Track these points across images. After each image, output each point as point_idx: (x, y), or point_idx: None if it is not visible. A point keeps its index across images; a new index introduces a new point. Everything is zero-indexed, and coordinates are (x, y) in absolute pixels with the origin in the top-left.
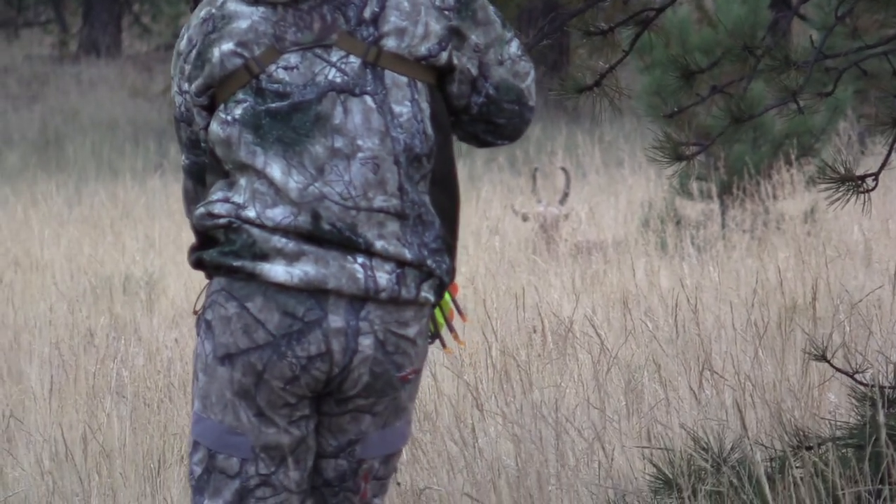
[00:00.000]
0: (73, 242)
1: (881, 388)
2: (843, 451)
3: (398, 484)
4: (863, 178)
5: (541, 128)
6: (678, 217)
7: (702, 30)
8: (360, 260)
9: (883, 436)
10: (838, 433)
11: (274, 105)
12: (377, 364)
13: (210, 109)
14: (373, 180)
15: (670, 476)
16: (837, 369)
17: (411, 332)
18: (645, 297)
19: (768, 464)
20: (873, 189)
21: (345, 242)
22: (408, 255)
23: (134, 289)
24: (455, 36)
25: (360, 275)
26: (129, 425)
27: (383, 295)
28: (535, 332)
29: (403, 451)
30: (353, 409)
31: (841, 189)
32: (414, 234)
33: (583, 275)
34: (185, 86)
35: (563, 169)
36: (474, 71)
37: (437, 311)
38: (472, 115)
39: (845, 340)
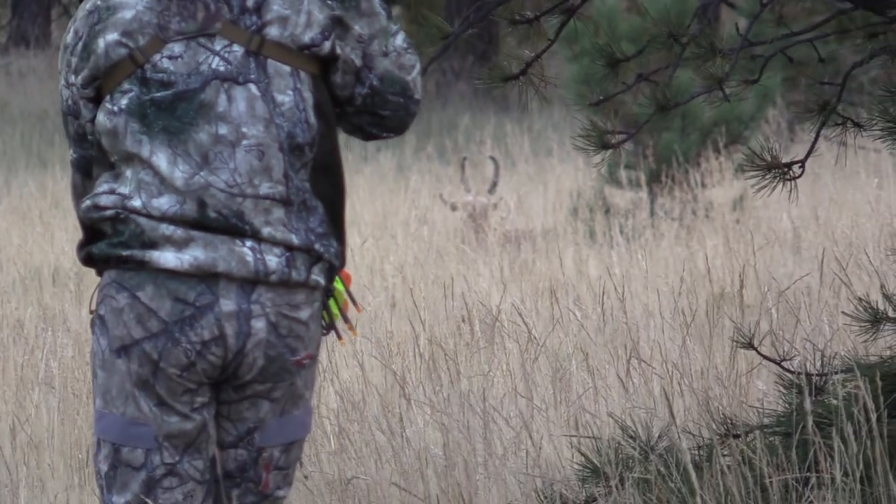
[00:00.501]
0: (1, 233)
1: (808, 375)
2: (771, 438)
3: (305, 477)
4: (789, 165)
5: (469, 117)
6: (607, 206)
7: (630, 18)
8: (248, 244)
9: (810, 423)
10: (766, 421)
11: (159, 94)
12: (271, 347)
13: (96, 101)
14: (258, 167)
15: (598, 464)
16: (765, 357)
17: (303, 315)
18: (573, 286)
19: (696, 452)
20: (800, 176)
21: (231, 229)
22: (295, 240)
23: (63, 280)
24: (338, 26)
25: (250, 258)
26: (57, 416)
27: (273, 277)
28: (463, 321)
29: (307, 443)
30: (252, 395)
31: (767, 177)
32: (299, 220)
33: (511, 264)
34: (72, 78)
35: (492, 158)
36: (358, 62)
37: (332, 303)
38: (357, 107)
39: (773, 328)
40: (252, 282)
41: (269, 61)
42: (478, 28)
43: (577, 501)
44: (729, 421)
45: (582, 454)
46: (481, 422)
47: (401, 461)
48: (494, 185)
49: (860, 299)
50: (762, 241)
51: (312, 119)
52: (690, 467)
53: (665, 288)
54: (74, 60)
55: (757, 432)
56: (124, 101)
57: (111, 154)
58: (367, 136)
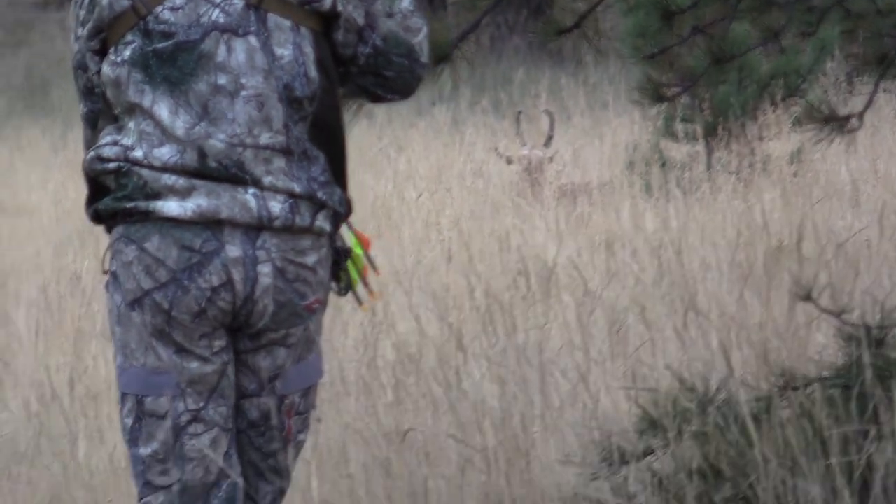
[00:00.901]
0: (59, 187)
1: (867, 327)
2: (830, 391)
3: (318, 420)
4: (847, 118)
5: (524, 71)
6: (663, 159)
7: None
8: (250, 191)
9: (869, 376)
10: (825, 373)
11: (160, 45)
12: (279, 293)
13: (102, 53)
14: (257, 117)
15: (655, 417)
16: (823, 309)
17: (310, 260)
18: (630, 239)
19: (754, 404)
20: (858, 129)
21: (232, 178)
22: (297, 188)
23: None
24: None
25: (253, 204)
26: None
27: (277, 223)
28: (519, 274)
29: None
30: (267, 344)
31: (825, 130)
32: (300, 169)
33: (567, 217)
34: (80, 31)
35: (548, 112)
36: (360, 20)
37: (351, 266)
38: (360, 67)
39: (832, 281)
40: (256, 228)
41: (270, 15)
42: None
43: (635, 454)
44: (788, 373)
45: (639, 406)
46: (538, 374)
47: (457, 413)
48: (550, 138)
49: None
50: (820, 193)
51: (313, 73)
52: (749, 420)
53: (722, 241)
54: (82, 13)
55: (816, 385)
56: (127, 53)
57: (115, 106)
58: (373, 98)
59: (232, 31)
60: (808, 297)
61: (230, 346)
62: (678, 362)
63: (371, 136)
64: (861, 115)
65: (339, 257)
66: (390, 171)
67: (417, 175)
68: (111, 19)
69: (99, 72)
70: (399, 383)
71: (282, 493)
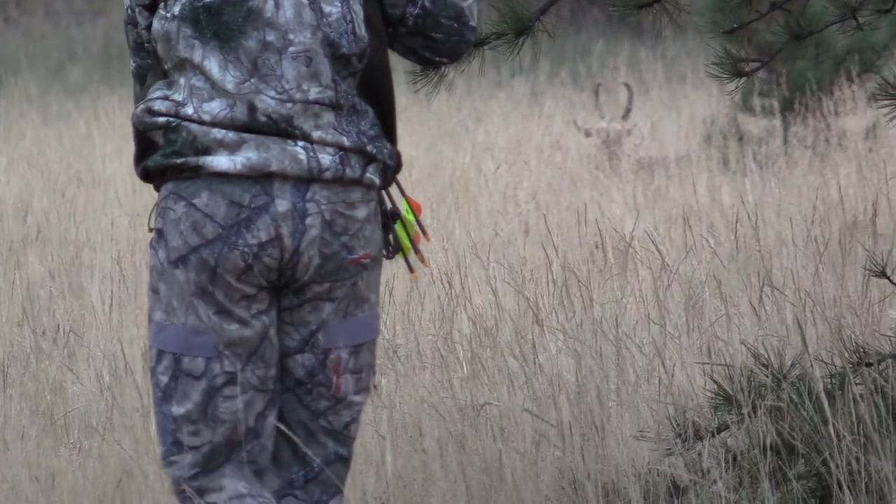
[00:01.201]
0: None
1: None
2: None
3: (375, 387)
4: None
5: (603, 43)
6: (740, 133)
7: None
8: (300, 144)
9: None
10: None
11: (209, 0)
12: (325, 245)
13: (151, 9)
14: (306, 73)
15: (730, 392)
16: None
17: (359, 213)
18: (706, 213)
19: (828, 380)
20: None
21: (282, 133)
22: (346, 141)
23: None
24: None
25: (303, 156)
26: None
27: (327, 174)
28: (596, 248)
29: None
30: (312, 298)
31: None
32: (350, 123)
33: (644, 191)
34: None
35: (626, 84)
36: None
37: (401, 231)
38: (409, 28)
39: None
40: (306, 180)
41: None
42: None
43: (710, 429)
44: (861, 349)
45: (714, 382)
46: (614, 349)
47: (533, 388)
48: (628, 111)
49: None
50: (895, 170)
51: (362, 32)
52: (823, 395)
53: (798, 216)
54: None
55: (889, 361)
56: (177, 8)
57: (165, 61)
58: (421, 60)
59: None
60: (882, 273)
61: (273, 308)
62: (753, 337)
63: (450, 107)
64: None
65: (388, 219)
66: (468, 142)
67: (496, 147)
68: None
69: (149, 27)
70: (475, 357)
71: (339, 458)
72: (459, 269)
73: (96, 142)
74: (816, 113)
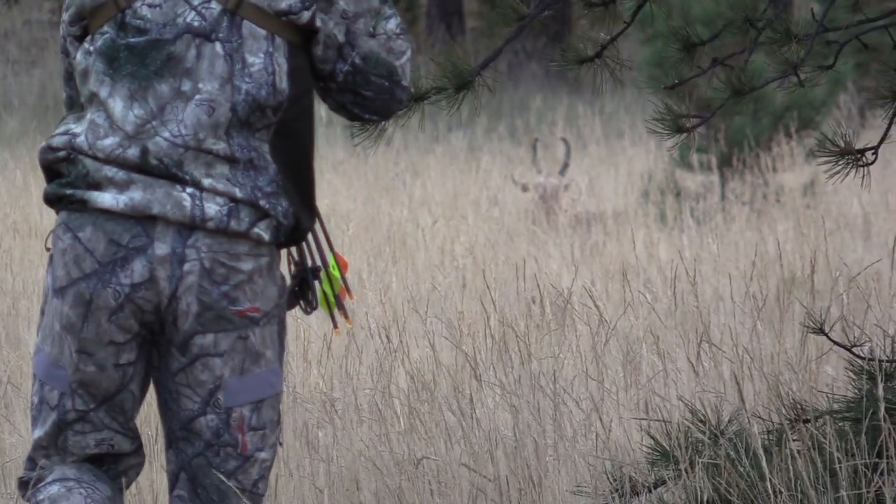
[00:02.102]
0: None
1: (879, 361)
2: (841, 424)
3: (280, 444)
4: (862, 151)
5: (542, 98)
6: (678, 189)
7: (704, 1)
8: (188, 190)
9: (881, 410)
10: (836, 406)
11: (133, 40)
12: (204, 293)
13: (82, 40)
14: (206, 122)
15: (667, 448)
16: (835, 342)
17: (244, 266)
18: (644, 268)
19: (765, 436)
20: (873, 163)
21: (172, 177)
22: (238, 193)
23: None
24: None
25: (188, 203)
26: None
27: (211, 224)
28: (534, 302)
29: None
30: (199, 354)
31: (840, 162)
32: (246, 177)
33: (582, 246)
34: (64, 16)
35: (564, 139)
36: (341, 37)
37: (328, 288)
38: (339, 84)
39: (843, 314)
40: (189, 227)
41: (245, 22)
42: (553, 10)
43: (647, 485)
44: (799, 406)
45: (652, 437)
46: (552, 403)
47: (471, 442)
48: (566, 166)
49: None
50: (833, 226)
51: (283, 85)
52: (760, 452)
53: (736, 272)
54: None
55: (827, 417)
56: (100, 42)
57: (81, 94)
58: (351, 116)
59: (204, 35)
60: (820, 330)
61: (140, 362)
62: (691, 393)
63: (387, 161)
64: (876, 149)
65: (307, 275)
66: (406, 196)
67: (433, 201)
68: (92, 8)
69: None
70: (412, 411)
71: None
72: (397, 323)
73: (33, 192)
74: (754, 169)
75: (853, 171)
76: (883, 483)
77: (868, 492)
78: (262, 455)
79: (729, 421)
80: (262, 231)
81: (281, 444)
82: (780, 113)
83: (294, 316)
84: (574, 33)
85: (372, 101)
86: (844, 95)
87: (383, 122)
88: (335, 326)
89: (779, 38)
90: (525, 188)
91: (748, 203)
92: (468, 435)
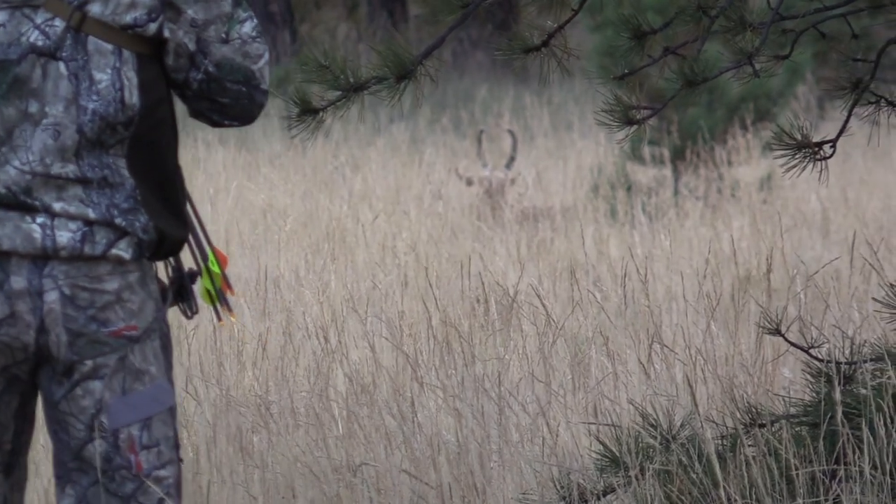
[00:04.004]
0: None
1: (837, 363)
2: (797, 429)
3: (181, 460)
4: (820, 144)
5: (487, 89)
6: (629, 183)
7: None
8: (39, 220)
9: (839, 414)
10: (792, 410)
11: None
12: (70, 321)
13: None
14: (52, 147)
15: (617, 454)
16: (792, 344)
17: (109, 286)
18: (593, 266)
19: (719, 442)
20: (831, 156)
21: (21, 206)
22: (92, 214)
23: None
24: (169, 8)
25: (38, 234)
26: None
27: (64, 253)
28: (478, 302)
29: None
30: (79, 380)
31: (797, 156)
32: (101, 196)
33: (529, 242)
34: None
35: (510, 131)
36: (192, 46)
37: (208, 283)
38: (194, 92)
39: (801, 314)
40: (43, 258)
41: (91, 38)
42: None
43: (595, 492)
44: (754, 410)
45: (600, 442)
46: (496, 407)
47: (412, 447)
48: (512, 159)
49: (892, 285)
50: (790, 222)
51: (133, 99)
52: (714, 458)
53: (689, 270)
54: None
55: (783, 422)
56: None
57: None
58: (212, 123)
59: (49, 54)
60: (776, 331)
61: (7, 396)
62: (641, 397)
63: (326, 153)
64: (835, 142)
65: (185, 281)
66: (345, 191)
67: (374, 196)
68: None
69: None
70: (351, 415)
71: None
72: (336, 323)
73: None
74: (709, 163)
75: (811, 164)
76: (841, 490)
77: (826, 500)
78: (162, 473)
79: (681, 425)
80: (122, 251)
81: (181, 460)
82: (736, 104)
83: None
84: (521, 21)
85: (230, 108)
86: (802, 86)
87: (321, 113)
88: (219, 320)
89: (733, 27)
90: (470, 182)
91: (702, 198)
92: (409, 440)
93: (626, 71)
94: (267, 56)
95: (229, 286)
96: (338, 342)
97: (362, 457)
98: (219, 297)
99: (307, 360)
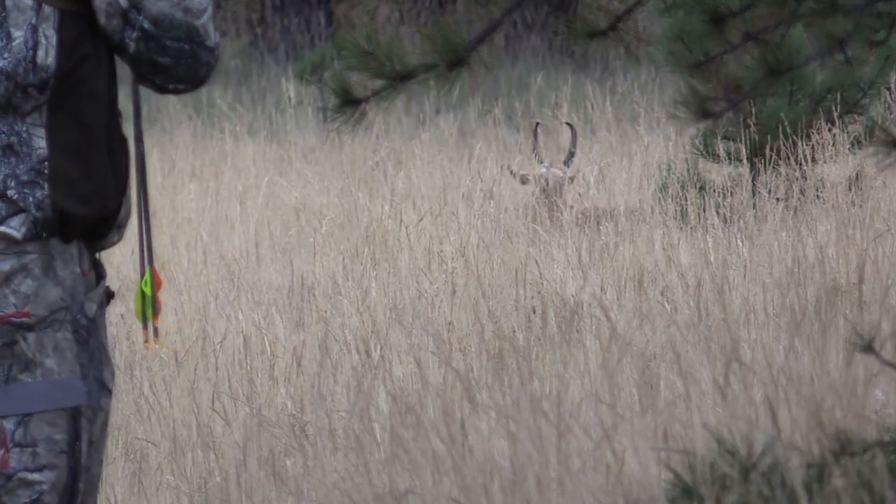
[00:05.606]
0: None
1: None
2: (893, 457)
3: (71, 467)
4: None
5: (543, 76)
6: (701, 182)
7: None
8: None
9: None
10: (886, 437)
11: None
12: None
13: None
14: None
15: (690, 483)
16: (886, 362)
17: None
18: (662, 274)
19: (805, 471)
20: None
21: None
22: None
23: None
24: None
25: None
26: None
27: None
28: (535, 312)
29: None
30: None
31: (892, 153)
32: (4, 164)
33: (590, 248)
34: None
35: (569, 124)
36: (123, 2)
37: (139, 303)
38: (132, 55)
39: None
40: None
41: None
42: None
43: None
44: (843, 436)
45: (671, 471)
46: (555, 430)
47: (462, 474)
48: (571, 155)
49: None
50: (882, 226)
51: (47, 60)
52: (799, 489)
53: (769, 279)
54: None
55: (876, 449)
56: None
57: None
58: (157, 88)
59: None
60: (868, 348)
61: None
62: (717, 420)
63: (365, 147)
64: None
65: (102, 297)
66: (387, 189)
67: (418, 195)
68: None
69: None
70: (395, 437)
71: None
72: (377, 335)
73: None
74: (790, 160)
75: None
76: None
77: None
78: (34, 476)
79: (762, 453)
80: (12, 229)
81: (73, 467)
82: (821, 95)
83: (258, 327)
84: (581, 2)
85: (173, 68)
86: None
87: (363, 103)
88: (146, 341)
89: (821, 9)
90: (524, 180)
91: (783, 199)
92: (459, 466)
93: (701, 58)
94: (211, 10)
95: (157, 313)
96: (380, 357)
97: (407, 484)
98: (144, 322)
99: (346, 376)
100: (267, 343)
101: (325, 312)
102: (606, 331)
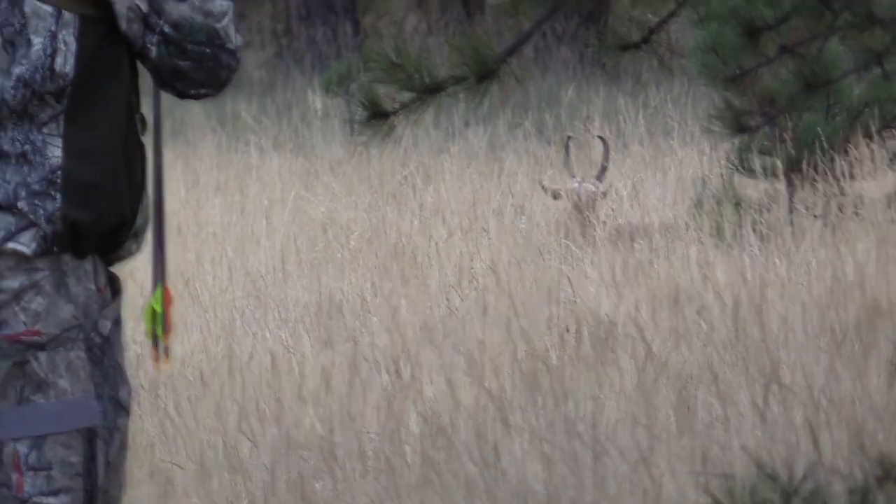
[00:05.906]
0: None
1: None
2: None
3: (87, 490)
4: None
5: (574, 89)
6: (737, 198)
7: None
8: None
9: None
10: None
11: None
12: None
13: None
14: None
15: None
16: None
17: (7, 284)
18: (699, 293)
19: (847, 497)
20: None
21: None
22: None
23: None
24: None
25: None
26: None
27: None
28: (568, 331)
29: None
30: None
31: None
32: (16, 174)
33: (624, 265)
34: None
35: (601, 138)
36: (144, 7)
37: (149, 321)
38: (153, 60)
39: None
40: None
41: (28, 0)
42: None
43: None
44: (887, 460)
45: (710, 495)
46: (591, 453)
47: (495, 498)
48: (604, 169)
49: None
50: None
51: (66, 68)
52: None
53: (808, 299)
54: None
55: None
56: None
57: None
58: (178, 94)
59: None
60: None
61: None
62: (756, 443)
63: (393, 161)
64: None
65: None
66: (416, 204)
67: (448, 210)
68: None
69: None
70: (426, 460)
71: None
72: (407, 354)
73: None
74: (828, 175)
75: None
76: None
77: None
78: (49, 501)
79: (803, 477)
80: (22, 245)
81: (88, 490)
82: (859, 109)
83: (285, 345)
84: (613, 13)
85: (194, 73)
86: None
87: (393, 116)
88: (155, 360)
89: (859, 22)
90: (556, 195)
91: (821, 216)
92: (492, 489)
93: (736, 71)
94: (231, 13)
95: (167, 331)
96: (410, 377)
97: None
98: (154, 340)
99: (376, 396)
100: (294, 362)
101: (354, 331)
102: (642, 351)
